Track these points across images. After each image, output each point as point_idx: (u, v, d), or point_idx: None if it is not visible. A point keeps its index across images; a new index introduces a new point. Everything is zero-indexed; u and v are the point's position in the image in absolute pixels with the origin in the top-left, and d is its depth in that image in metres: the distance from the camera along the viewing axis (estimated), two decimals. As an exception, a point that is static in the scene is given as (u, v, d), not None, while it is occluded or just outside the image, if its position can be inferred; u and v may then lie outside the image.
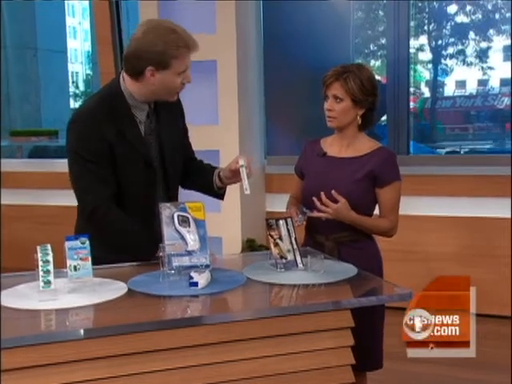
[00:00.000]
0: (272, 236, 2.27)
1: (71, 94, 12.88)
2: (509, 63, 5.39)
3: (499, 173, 4.63)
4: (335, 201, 2.46)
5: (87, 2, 13.00)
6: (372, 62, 6.78)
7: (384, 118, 5.36)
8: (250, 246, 4.97)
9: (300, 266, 2.24)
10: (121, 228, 2.34)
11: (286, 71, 5.39)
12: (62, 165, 6.40)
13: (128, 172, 2.36)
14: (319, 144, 2.69)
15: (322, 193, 2.45)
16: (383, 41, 6.44)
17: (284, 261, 2.24)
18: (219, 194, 2.58)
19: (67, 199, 5.72)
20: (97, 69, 10.85)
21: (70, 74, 13.84)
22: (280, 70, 5.39)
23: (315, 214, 2.48)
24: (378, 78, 6.76)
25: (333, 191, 2.45)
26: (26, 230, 6.01)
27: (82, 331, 1.74)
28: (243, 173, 2.32)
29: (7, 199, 5.96)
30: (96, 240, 2.07)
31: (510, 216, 4.52)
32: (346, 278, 2.16)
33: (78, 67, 16.76)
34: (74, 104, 12.82)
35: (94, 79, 12.40)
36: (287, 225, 2.29)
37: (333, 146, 2.64)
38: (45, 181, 6.04)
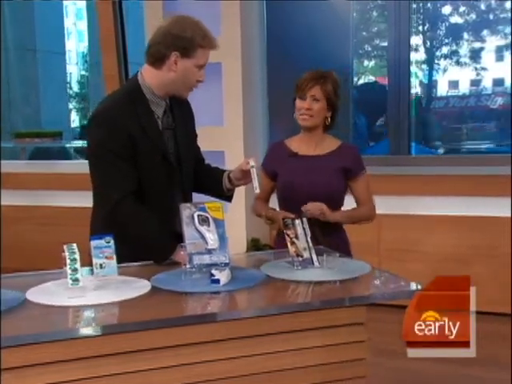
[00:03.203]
0: (288, 235, 2.32)
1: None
2: (501, 63, 5.44)
3: (499, 173, 4.65)
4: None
5: (83, 3, 12.97)
6: (365, 63, 6.80)
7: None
8: (254, 245, 5.01)
9: (316, 263, 2.29)
10: (137, 230, 2.37)
11: (288, 72, 5.38)
12: (63, 166, 6.41)
13: (147, 167, 2.39)
14: (284, 144, 2.93)
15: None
16: (377, 41, 6.49)
17: (300, 259, 2.29)
18: (228, 196, 2.65)
19: (68, 200, 5.76)
20: (94, 70, 10.85)
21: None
22: (282, 71, 5.39)
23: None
24: (373, 78, 6.81)
25: (305, 205, 2.65)
26: (27, 230, 6.02)
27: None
28: (253, 173, 2.42)
29: (8, 200, 5.96)
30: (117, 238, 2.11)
31: (510, 215, 4.54)
32: (360, 275, 2.23)
33: (72, 68, 16.69)
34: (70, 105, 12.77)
35: (92, 81, 12.36)
36: (303, 224, 2.35)
37: (301, 146, 2.88)
38: (46, 182, 6.05)
